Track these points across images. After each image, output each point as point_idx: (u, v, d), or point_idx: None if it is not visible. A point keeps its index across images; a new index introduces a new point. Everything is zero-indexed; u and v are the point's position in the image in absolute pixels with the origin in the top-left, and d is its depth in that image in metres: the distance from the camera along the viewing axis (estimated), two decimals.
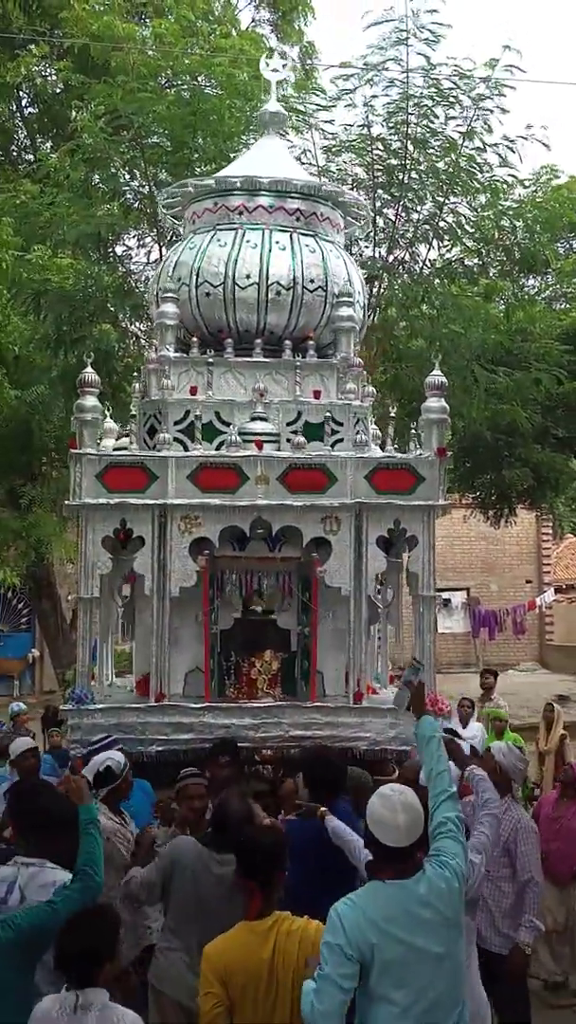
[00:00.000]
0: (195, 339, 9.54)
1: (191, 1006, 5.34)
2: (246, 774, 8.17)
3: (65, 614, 19.72)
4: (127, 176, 15.82)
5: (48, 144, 21.25)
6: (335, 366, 9.62)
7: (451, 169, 15.31)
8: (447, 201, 15.71)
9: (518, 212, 16.00)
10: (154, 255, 16.50)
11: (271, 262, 9.48)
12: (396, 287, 15.92)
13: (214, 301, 9.52)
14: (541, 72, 17.54)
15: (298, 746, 8.58)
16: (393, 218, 15.90)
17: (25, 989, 4.71)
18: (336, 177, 15.34)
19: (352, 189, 14.37)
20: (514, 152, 15.41)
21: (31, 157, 20.54)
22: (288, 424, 9.33)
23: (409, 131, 15.16)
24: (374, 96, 15.41)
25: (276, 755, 8.62)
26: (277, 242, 9.60)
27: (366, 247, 16.05)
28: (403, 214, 15.94)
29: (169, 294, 9.52)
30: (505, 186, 15.82)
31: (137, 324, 15.87)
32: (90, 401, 8.98)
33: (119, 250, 17.22)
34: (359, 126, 15.61)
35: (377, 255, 16.05)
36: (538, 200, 16.40)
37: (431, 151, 15.51)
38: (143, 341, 14.15)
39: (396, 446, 9.29)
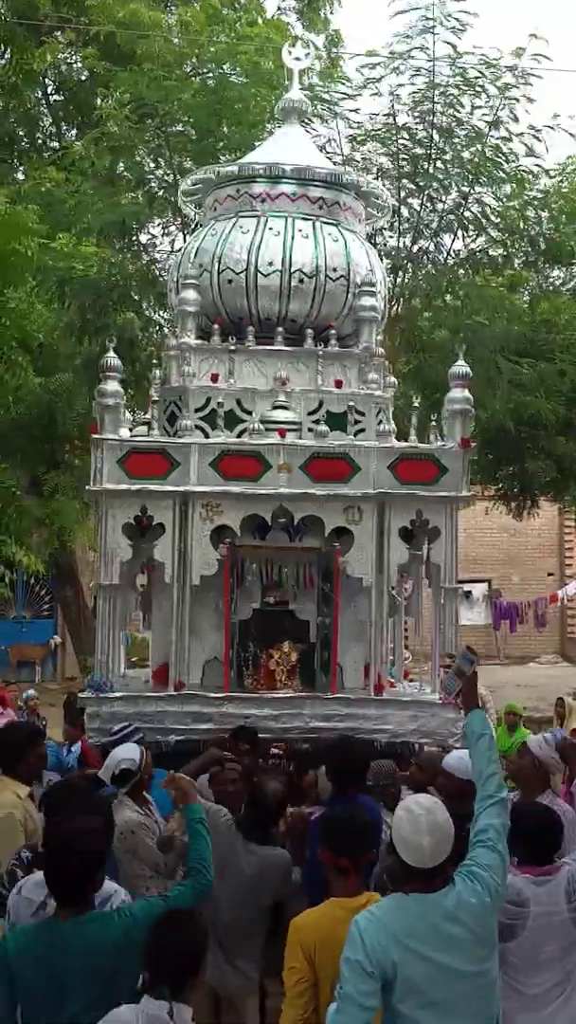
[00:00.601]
0: (216, 326, 9.46)
1: (210, 982, 5.32)
2: (262, 767, 8.09)
3: (87, 601, 19.71)
4: (152, 164, 15.86)
5: (73, 132, 21.35)
6: (357, 356, 9.53)
7: (476, 159, 15.34)
8: (472, 191, 15.76)
9: (543, 202, 16.06)
10: (178, 244, 16.48)
11: (294, 250, 9.40)
12: (420, 277, 16.00)
13: (236, 288, 9.44)
14: (568, 61, 17.44)
15: (317, 738, 8.51)
16: (418, 208, 15.93)
17: (132, 982, 4.42)
18: (361, 166, 15.29)
19: (377, 179, 14.32)
20: (540, 141, 15.51)
21: (56, 145, 20.64)
22: (309, 413, 9.25)
23: (435, 120, 15.23)
24: (400, 85, 15.46)
25: (290, 747, 8.53)
26: (300, 230, 9.51)
27: (390, 237, 16.08)
28: (428, 204, 15.99)
29: (190, 280, 9.45)
30: (531, 176, 15.91)
31: (161, 312, 15.90)
32: (112, 386, 8.91)
33: (143, 238, 17.27)
34: (384, 115, 15.67)
35: (401, 245, 16.08)
36: (564, 190, 16.47)
37: (456, 140, 15.55)
38: (166, 330, 14.10)
39: (416, 436, 9.15)
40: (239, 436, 9.00)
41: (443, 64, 15.26)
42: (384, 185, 14.38)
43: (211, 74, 16.73)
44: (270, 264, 9.37)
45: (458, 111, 15.46)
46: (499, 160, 15.60)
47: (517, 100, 15.33)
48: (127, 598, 9.61)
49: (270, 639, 9.06)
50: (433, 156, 15.52)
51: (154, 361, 10.17)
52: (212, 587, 8.84)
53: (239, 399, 9.20)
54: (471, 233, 16.44)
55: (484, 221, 16.08)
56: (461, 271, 16.39)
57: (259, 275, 9.37)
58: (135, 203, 15.40)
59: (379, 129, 15.84)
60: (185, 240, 15.05)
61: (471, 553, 28.23)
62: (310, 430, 9.07)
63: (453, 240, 16.55)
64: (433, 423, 9.46)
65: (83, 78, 20.66)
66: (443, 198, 16.06)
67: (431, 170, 15.58)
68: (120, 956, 4.31)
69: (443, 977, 4.06)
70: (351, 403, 9.07)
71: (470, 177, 15.60)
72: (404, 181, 15.82)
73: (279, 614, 9.21)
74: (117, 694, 8.58)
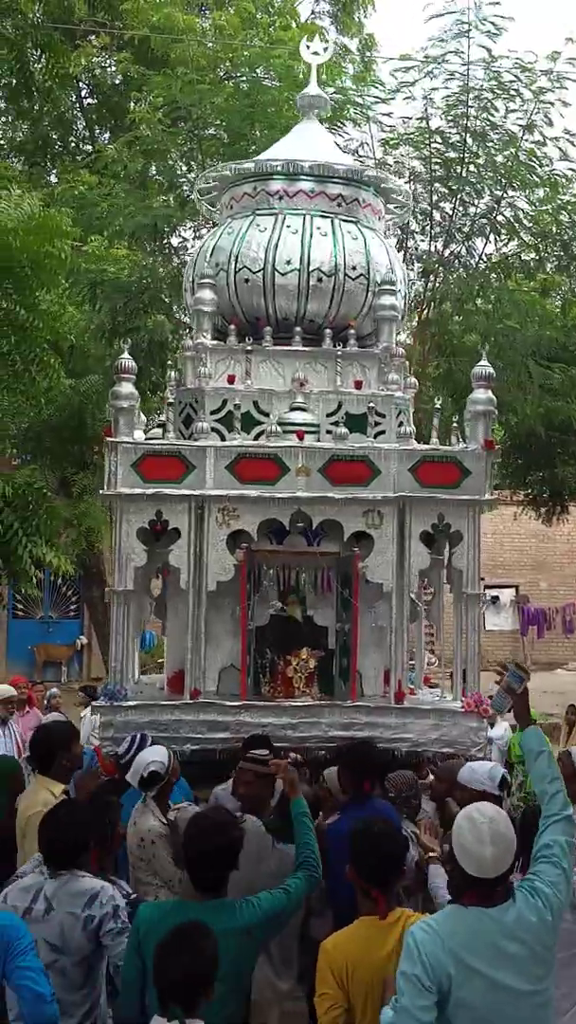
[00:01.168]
0: (232, 327, 9.27)
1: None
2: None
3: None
4: (184, 168, 15.86)
5: (106, 135, 21.58)
6: (377, 356, 9.32)
7: (510, 163, 15.25)
8: (505, 195, 15.70)
9: None
10: None
11: (312, 248, 9.19)
12: (451, 281, 15.86)
13: (253, 287, 9.25)
14: None
15: (335, 748, 8.32)
16: (450, 212, 15.86)
17: (251, 964, 4.99)
18: (393, 170, 15.18)
19: (409, 182, 14.31)
20: (574, 146, 15.33)
21: (89, 148, 20.74)
22: (328, 415, 9.04)
23: (468, 124, 15.16)
24: (434, 89, 15.39)
25: (307, 756, 8.31)
26: (318, 228, 9.30)
27: (422, 241, 16.06)
28: (460, 208, 15.93)
29: (206, 280, 9.26)
30: (564, 180, 15.70)
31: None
32: (126, 388, 8.71)
33: (175, 241, 17.36)
34: (417, 119, 15.59)
35: (433, 249, 16.04)
36: None
37: (490, 144, 15.47)
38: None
39: (438, 439, 8.94)
40: (256, 438, 8.80)
41: (477, 68, 15.22)
42: (416, 189, 14.64)
43: (244, 78, 16.70)
44: (288, 263, 9.17)
45: (492, 115, 15.40)
46: (533, 164, 15.51)
47: (552, 104, 15.24)
48: (142, 604, 9.41)
49: (288, 646, 8.86)
50: (466, 160, 15.46)
51: (169, 363, 9.98)
52: (228, 593, 8.64)
53: (256, 401, 9.01)
54: (503, 237, 16.42)
55: (517, 225, 15.99)
56: (493, 275, 16.27)
57: (277, 274, 9.17)
58: (167, 206, 15.39)
59: (412, 133, 15.80)
60: None
61: (499, 558, 28.11)
62: (329, 432, 8.87)
63: (485, 244, 16.57)
64: (455, 425, 9.24)
65: (117, 82, 20.84)
66: (476, 202, 16.02)
67: (464, 174, 15.51)
68: (245, 940, 4.71)
69: (498, 995, 3.97)
70: (371, 404, 8.86)
71: (503, 181, 15.54)
72: (436, 185, 15.76)
73: (298, 620, 9.01)
74: (131, 703, 8.38)
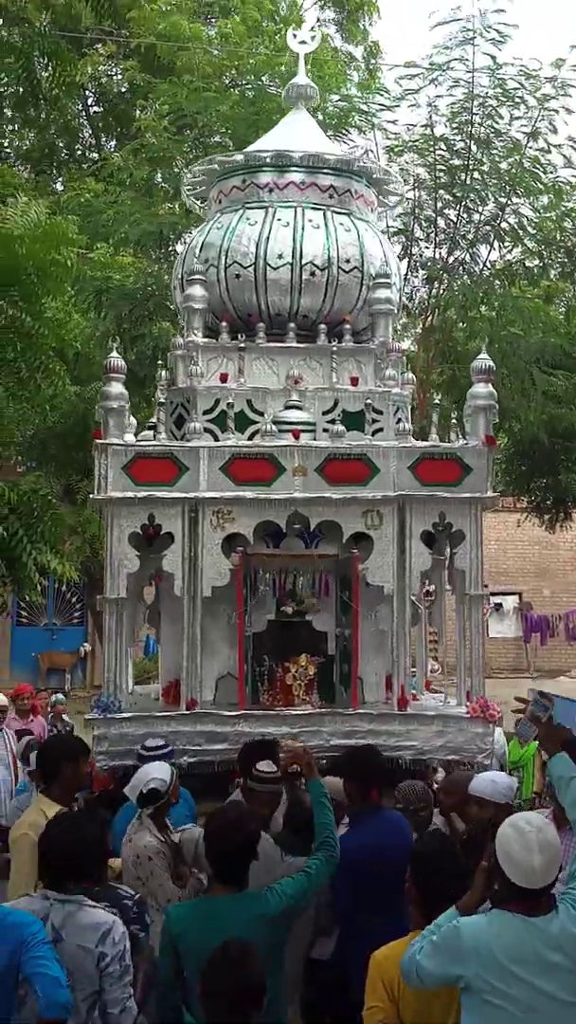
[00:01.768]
0: (224, 324, 8.99)
1: None
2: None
3: None
4: (184, 191, 15.90)
5: (112, 143, 22.01)
6: (373, 351, 9.05)
7: (514, 170, 15.34)
8: (509, 202, 15.76)
9: None
10: None
11: (304, 241, 8.92)
12: (456, 288, 15.88)
13: (244, 283, 8.97)
14: None
15: (338, 756, 8.03)
16: (454, 219, 15.98)
17: (281, 954, 5.10)
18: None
19: (413, 189, 14.27)
20: None
21: (95, 156, 21.08)
22: (324, 413, 8.77)
23: (473, 131, 15.27)
24: (438, 96, 15.54)
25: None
26: (310, 220, 9.03)
27: (426, 248, 16.17)
28: (464, 215, 16.03)
29: (196, 276, 8.97)
30: (568, 187, 15.82)
31: None
32: (115, 388, 8.40)
33: (180, 249, 17.17)
34: (422, 126, 15.74)
35: (437, 256, 16.06)
36: None
37: (494, 151, 15.59)
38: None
39: (437, 435, 8.66)
40: (250, 438, 8.54)
41: (482, 75, 15.28)
42: (421, 196, 14.91)
43: (250, 86, 16.85)
44: (279, 257, 8.90)
45: (496, 122, 15.49)
46: (537, 171, 15.58)
47: (556, 111, 15.35)
48: (135, 612, 9.10)
49: (286, 652, 8.58)
50: (470, 167, 15.50)
51: (159, 362, 9.69)
52: (224, 599, 8.35)
53: (250, 399, 8.73)
54: (507, 244, 16.48)
55: (521, 232, 16.05)
56: (497, 282, 16.31)
57: (268, 268, 8.89)
58: (172, 214, 15.51)
59: (416, 140, 15.91)
60: None
61: (502, 565, 27.92)
62: (325, 431, 8.59)
63: (489, 251, 16.65)
64: (455, 422, 8.95)
65: (123, 90, 21.20)
66: (480, 209, 16.08)
67: (468, 181, 15.56)
68: (274, 929, 4.87)
69: (540, 1003, 3.96)
70: (368, 401, 8.59)
71: (507, 188, 15.58)
72: (441, 192, 15.80)
73: (296, 626, 8.73)
74: (126, 714, 8.08)
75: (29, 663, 26.37)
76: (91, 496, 8.41)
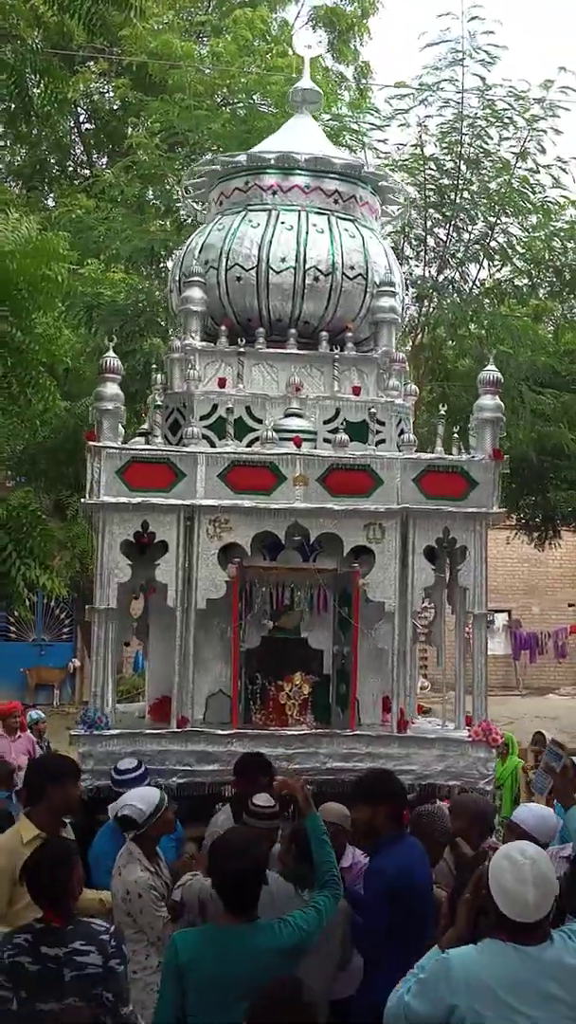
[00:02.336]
0: (223, 328, 8.68)
1: None
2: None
3: None
4: (181, 192, 16.05)
5: (104, 160, 22.19)
6: (376, 361, 8.78)
7: (503, 189, 15.48)
8: (498, 221, 15.92)
9: (569, 233, 16.13)
10: None
11: (308, 245, 8.66)
12: (445, 306, 15.97)
13: (245, 286, 8.67)
14: None
15: (335, 779, 7.68)
16: (444, 237, 16.12)
17: None
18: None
19: (403, 208, 14.12)
20: (567, 173, 15.77)
21: (87, 172, 21.30)
22: (325, 422, 8.48)
23: (462, 151, 15.41)
24: (428, 116, 15.70)
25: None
26: (314, 224, 8.77)
27: (416, 266, 16.28)
28: (454, 234, 16.17)
29: (195, 278, 8.67)
30: (557, 207, 15.99)
31: None
32: (111, 389, 8.05)
33: (171, 265, 17.21)
34: (412, 145, 15.89)
35: (427, 274, 16.20)
36: None
37: (484, 171, 15.75)
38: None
39: (442, 447, 8.37)
40: (249, 445, 8.21)
41: (471, 96, 15.47)
42: (411, 215, 14.78)
43: (241, 104, 16.98)
44: (283, 260, 8.62)
45: (485, 142, 15.61)
46: (525, 191, 15.70)
47: (544, 132, 15.53)
48: (124, 624, 8.69)
49: (280, 670, 8.24)
50: (460, 186, 15.66)
51: (153, 365, 9.37)
52: (217, 612, 7.99)
53: (249, 406, 8.41)
54: (497, 263, 16.61)
55: (510, 251, 16.18)
56: (486, 301, 16.41)
57: (271, 272, 8.61)
58: (164, 230, 15.59)
59: (407, 159, 16.02)
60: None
61: (491, 582, 27.71)
62: (326, 440, 8.29)
63: (479, 270, 16.78)
64: (456, 435, 8.64)
65: (115, 107, 21.30)
66: (469, 228, 16.26)
67: (458, 200, 15.71)
68: (285, 962, 4.55)
69: None
70: (372, 410, 8.29)
71: (496, 208, 15.70)
72: (431, 211, 15.92)
73: (291, 642, 8.40)
74: (113, 731, 7.68)
75: (17, 679, 26.04)
76: (82, 501, 8.02)
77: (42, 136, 20.93)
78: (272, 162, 8.99)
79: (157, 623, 8.58)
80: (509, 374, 14.67)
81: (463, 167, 15.63)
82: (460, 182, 15.69)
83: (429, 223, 16.04)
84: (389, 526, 8.00)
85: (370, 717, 8.37)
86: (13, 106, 19.71)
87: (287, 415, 8.36)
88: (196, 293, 8.64)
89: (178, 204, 15.65)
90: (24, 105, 16.84)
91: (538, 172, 15.82)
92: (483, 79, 15.41)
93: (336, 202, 9.00)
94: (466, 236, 16.39)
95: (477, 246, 16.32)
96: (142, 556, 8.17)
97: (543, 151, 15.65)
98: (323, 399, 8.52)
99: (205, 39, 20.88)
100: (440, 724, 8.86)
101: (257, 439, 8.22)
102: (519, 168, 15.72)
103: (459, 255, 16.50)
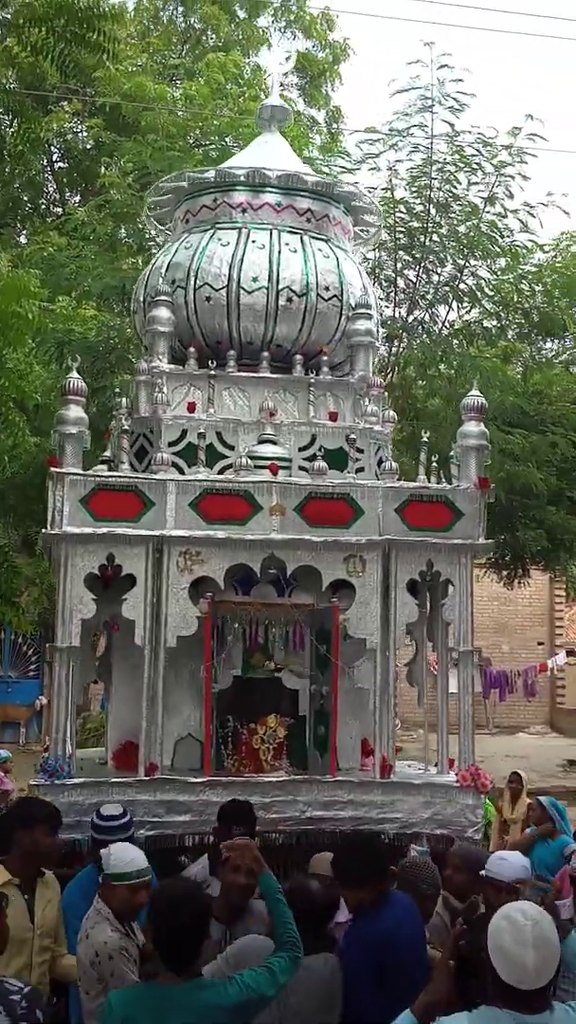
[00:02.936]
0: (192, 350, 8.22)
1: None
2: None
3: None
4: (153, 231, 16.01)
5: (76, 198, 22.40)
6: (352, 386, 8.38)
7: (472, 233, 15.80)
8: (467, 264, 16.27)
9: (537, 276, 16.41)
10: None
11: (281, 265, 8.27)
12: (415, 347, 16.19)
13: (215, 306, 8.24)
14: (562, 141, 18.38)
15: (315, 829, 7.18)
16: (414, 279, 16.39)
17: None
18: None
19: (374, 250, 14.64)
20: (534, 218, 15.96)
21: (59, 211, 21.35)
22: (301, 449, 8.04)
23: (432, 195, 15.75)
24: (398, 160, 16.01)
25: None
26: (287, 244, 8.40)
27: (386, 307, 16.32)
28: (424, 276, 16.48)
29: (162, 297, 8.21)
30: (525, 251, 16.32)
31: None
32: (74, 412, 7.54)
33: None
34: (382, 189, 15.96)
35: (397, 315, 16.33)
36: (557, 265, 16.97)
37: (453, 215, 16.07)
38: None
39: (425, 476, 7.96)
40: (220, 472, 7.74)
41: (440, 141, 15.74)
42: (381, 257, 15.45)
43: (214, 146, 17.09)
44: (254, 280, 8.21)
45: (455, 187, 15.88)
46: (494, 235, 15.94)
47: (512, 177, 15.71)
48: (86, 663, 8.12)
49: (253, 712, 7.75)
50: (429, 230, 15.87)
51: (116, 390, 8.88)
52: (185, 651, 7.46)
53: (220, 432, 7.95)
54: (466, 305, 16.90)
55: (479, 293, 16.42)
56: (455, 342, 16.57)
57: (242, 292, 8.19)
58: (136, 268, 15.41)
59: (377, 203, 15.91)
60: None
61: None
62: (302, 468, 7.84)
63: (448, 311, 17.02)
64: (435, 464, 8.22)
65: (88, 147, 21.50)
66: (439, 270, 16.50)
67: (427, 243, 15.92)
68: (229, 1019, 4.29)
69: None
70: (352, 436, 7.87)
71: (465, 251, 15.96)
72: (401, 253, 16.08)
73: (264, 683, 7.91)
74: (76, 780, 7.11)
75: None
76: (43, 531, 7.46)
77: (15, 174, 20.79)
78: (242, 178, 8.59)
79: (121, 663, 8.04)
80: None
81: (432, 211, 15.88)
82: (430, 225, 15.91)
83: (399, 265, 16.20)
84: (370, 558, 7.56)
85: (349, 761, 7.88)
86: None
87: (261, 441, 7.90)
88: (163, 313, 8.19)
89: (150, 243, 15.59)
90: None
91: (506, 216, 16.04)
92: (452, 125, 15.70)
93: (308, 221, 8.63)
94: (436, 278, 16.59)
95: (446, 288, 16.51)
96: (106, 591, 7.64)
97: (511, 196, 15.93)
98: (298, 425, 8.09)
99: (178, 82, 21.04)
100: (421, 767, 8.39)
101: (230, 466, 7.76)
102: (487, 212, 15.97)
103: (429, 296, 16.67)
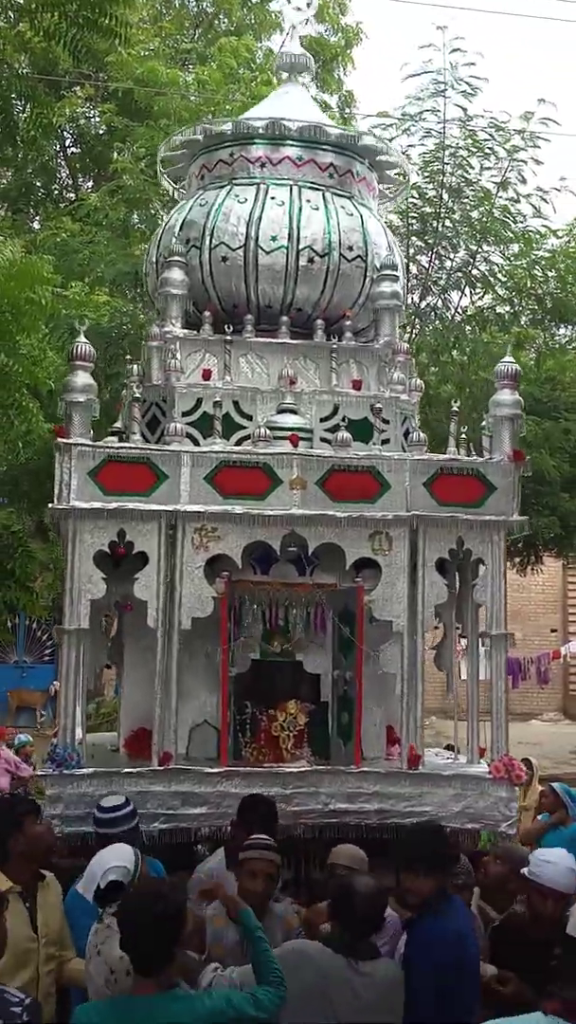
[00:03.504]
0: (207, 314, 7.75)
1: None
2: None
3: None
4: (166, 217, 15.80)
5: (89, 184, 22.25)
6: (377, 352, 7.90)
7: (485, 218, 15.68)
8: (480, 250, 16.14)
9: (550, 262, 16.14)
10: None
11: (302, 223, 7.78)
12: (427, 333, 16.05)
13: (232, 267, 7.77)
14: (571, 124, 17.66)
15: (339, 823, 6.76)
16: (426, 265, 16.27)
17: None
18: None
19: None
20: (547, 203, 15.75)
21: (72, 196, 21.25)
22: (322, 420, 7.56)
23: (444, 180, 15.63)
24: (411, 145, 15.73)
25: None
26: (308, 200, 7.90)
27: None
28: (436, 261, 16.36)
29: (176, 258, 7.74)
30: (538, 236, 16.10)
31: None
32: (82, 378, 7.08)
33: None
34: (395, 174, 15.37)
35: (410, 301, 15.87)
36: (571, 251, 16.67)
37: (465, 200, 15.94)
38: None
39: (456, 448, 7.48)
40: (238, 444, 7.28)
41: (453, 126, 15.63)
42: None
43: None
44: (273, 239, 7.73)
45: (467, 172, 15.71)
46: (507, 220, 15.77)
47: (525, 162, 15.53)
48: (97, 646, 7.67)
49: (272, 697, 7.33)
50: (442, 215, 15.70)
51: (127, 356, 8.43)
52: (201, 633, 7.03)
53: (237, 401, 7.49)
54: (478, 291, 16.67)
55: (491, 279, 16.21)
56: (468, 328, 16.34)
57: (260, 252, 7.72)
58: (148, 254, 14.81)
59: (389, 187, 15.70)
60: None
61: None
62: (324, 440, 7.37)
63: (460, 297, 16.79)
64: (464, 436, 7.74)
65: (100, 132, 21.38)
66: (451, 256, 16.32)
67: (440, 228, 15.75)
68: None
69: None
70: (378, 406, 7.39)
71: (478, 236, 15.79)
72: (413, 239, 15.91)
73: (284, 667, 7.49)
74: (86, 770, 6.68)
75: None
76: (50, 506, 7.01)
77: (28, 159, 20.80)
78: (260, 131, 8.09)
79: (133, 645, 7.61)
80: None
81: (445, 196, 15.68)
82: (442, 211, 15.70)
83: (412, 250, 15.96)
84: (397, 536, 7.10)
85: (373, 750, 7.44)
86: None
87: (280, 411, 7.44)
88: (177, 275, 7.72)
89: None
90: (9, 129, 16.77)
91: (519, 201, 15.86)
92: (465, 110, 15.49)
93: (331, 176, 8.13)
94: (448, 264, 16.39)
95: (459, 274, 16.31)
96: (117, 569, 7.20)
97: (524, 181, 15.73)
98: (320, 393, 7.62)
99: (190, 66, 20.77)
100: (450, 757, 7.95)
101: (247, 437, 7.31)
102: (500, 198, 15.80)
103: (441, 282, 16.47)
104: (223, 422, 7.26)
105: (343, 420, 7.41)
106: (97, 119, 21.24)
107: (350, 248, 7.85)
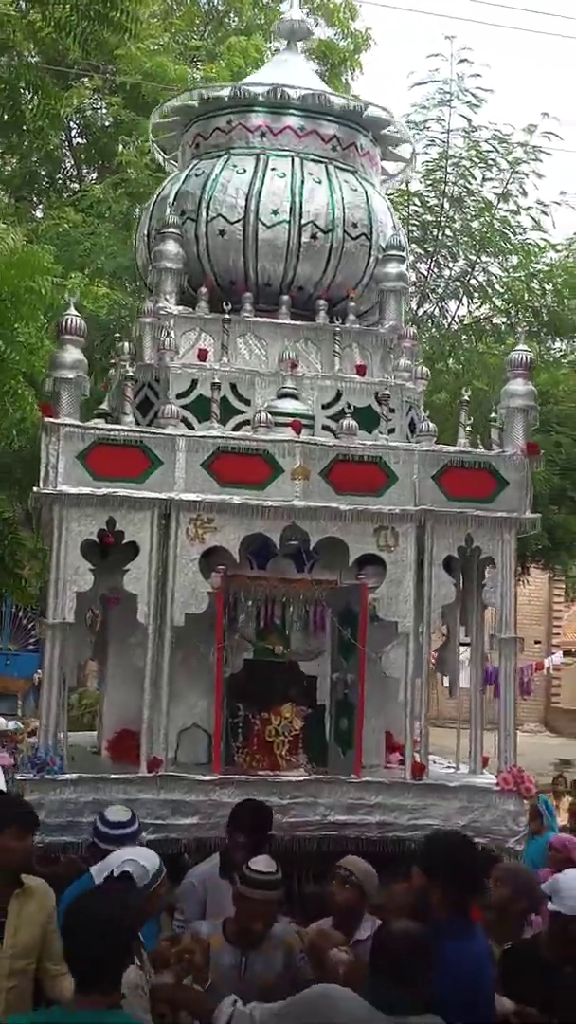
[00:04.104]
0: (203, 290, 7.29)
1: None
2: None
3: None
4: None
5: (93, 175, 22.44)
6: (382, 336, 7.47)
7: (485, 229, 15.84)
8: (479, 260, 16.33)
9: (548, 275, 16.26)
10: None
11: (304, 196, 7.37)
12: (423, 340, 15.68)
13: (230, 242, 7.33)
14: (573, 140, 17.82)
15: (338, 836, 6.33)
16: (425, 273, 16.38)
17: None
18: None
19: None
20: (547, 216, 15.96)
21: (76, 187, 21.52)
22: (324, 406, 7.12)
23: (446, 190, 15.86)
24: (414, 153, 15.18)
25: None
26: (310, 173, 7.47)
27: None
28: (435, 270, 16.55)
29: (170, 230, 7.27)
30: (537, 249, 16.24)
31: None
32: (72, 354, 6.57)
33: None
34: (397, 181, 15.45)
35: (407, 308, 15.63)
36: (569, 265, 16.78)
37: (466, 210, 16.13)
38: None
39: (466, 439, 7.06)
40: (235, 430, 6.82)
41: (457, 136, 15.83)
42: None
43: None
44: (274, 213, 7.31)
45: (469, 182, 15.95)
46: (506, 232, 15.93)
47: (526, 175, 15.79)
48: (82, 642, 7.17)
49: (266, 700, 6.87)
50: (443, 224, 15.94)
51: (116, 335, 7.95)
52: (193, 631, 6.56)
53: (234, 384, 7.04)
54: (476, 301, 16.87)
55: (489, 290, 16.41)
56: (464, 337, 16.51)
57: (260, 225, 7.29)
58: None
59: (391, 194, 15.54)
60: None
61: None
62: (327, 428, 6.94)
63: (458, 306, 17.04)
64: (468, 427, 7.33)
65: (107, 124, 21.46)
66: (450, 265, 16.57)
67: (440, 237, 15.96)
68: None
69: None
70: (385, 392, 6.95)
71: (477, 246, 15.98)
72: (413, 246, 15.64)
73: (279, 668, 7.04)
74: (70, 775, 6.20)
75: None
76: (34, 490, 6.52)
77: (33, 148, 20.55)
78: (260, 98, 7.63)
79: (119, 642, 7.14)
80: (483, 410, 14.15)
81: (446, 205, 15.89)
82: (443, 219, 15.90)
83: (411, 258, 15.79)
84: (404, 531, 6.68)
85: (371, 758, 7.00)
86: (5, 117, 19.78)
87: (280, 396, 7.00)
88: (171, 247, 7.26)
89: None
90: (16, 118, 16.58)
91: (519, 214, 16.02)
92: (469, 120, 15.69)
93: (334, 149, 7.72)
94: (447, 273, 16.60)
95: (457, 283, 16.51)
96: (104, 560, 6.72)
97: (524, 194, 15.93)
98: (322, 378, 7.20)
99: (199, 64, 20.92)
100: (452, 766, 7.53)
101: (245, 423, 6.88)
102: (501, 209, 15.93)
103: (439, 291, 16.64)
104: (220, 406, 6.80)
105: (347, 407, 6.98)
106: (104, 111, 21.41)
107: (354, 225, 7.43)
